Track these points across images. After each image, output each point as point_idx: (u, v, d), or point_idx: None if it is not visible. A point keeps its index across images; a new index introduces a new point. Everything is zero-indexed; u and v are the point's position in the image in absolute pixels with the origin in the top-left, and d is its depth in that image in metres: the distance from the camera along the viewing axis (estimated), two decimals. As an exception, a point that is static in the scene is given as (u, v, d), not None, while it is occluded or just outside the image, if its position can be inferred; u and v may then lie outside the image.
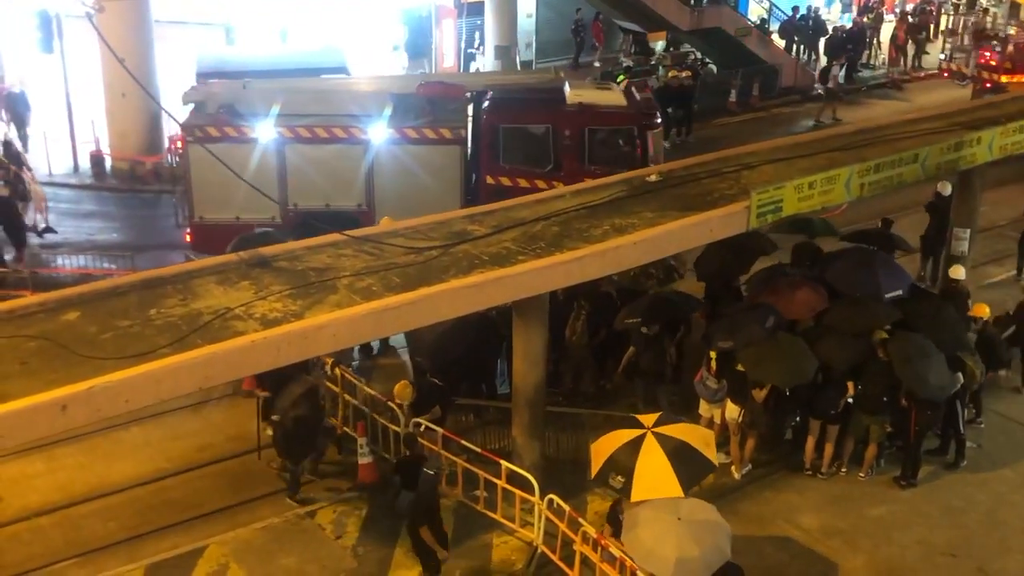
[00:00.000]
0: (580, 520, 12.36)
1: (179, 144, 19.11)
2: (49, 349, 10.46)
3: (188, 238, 19.33)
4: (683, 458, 11.81)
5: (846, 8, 42.84)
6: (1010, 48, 32.00)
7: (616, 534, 12.06)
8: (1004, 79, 30.73)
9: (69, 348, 10.43)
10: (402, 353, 17.67)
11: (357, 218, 17.55)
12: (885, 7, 43.60)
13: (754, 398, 14.27)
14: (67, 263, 20.36)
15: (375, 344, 17.69)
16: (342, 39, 29.20)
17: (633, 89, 21.55)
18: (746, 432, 14.66)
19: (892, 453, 15.05)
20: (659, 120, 20.39)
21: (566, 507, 12.57)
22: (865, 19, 40.06)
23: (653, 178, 15.74)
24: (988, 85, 31.03)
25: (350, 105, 19.18)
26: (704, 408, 15.03)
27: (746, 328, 14.63)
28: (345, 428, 15.15)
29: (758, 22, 36.64)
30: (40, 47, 25.72)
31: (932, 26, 41.93)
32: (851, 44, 36.69)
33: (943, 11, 44.00)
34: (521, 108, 20.09)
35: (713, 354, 14.69)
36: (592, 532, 12.19)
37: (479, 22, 34.45)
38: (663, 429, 12.09)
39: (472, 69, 34.06)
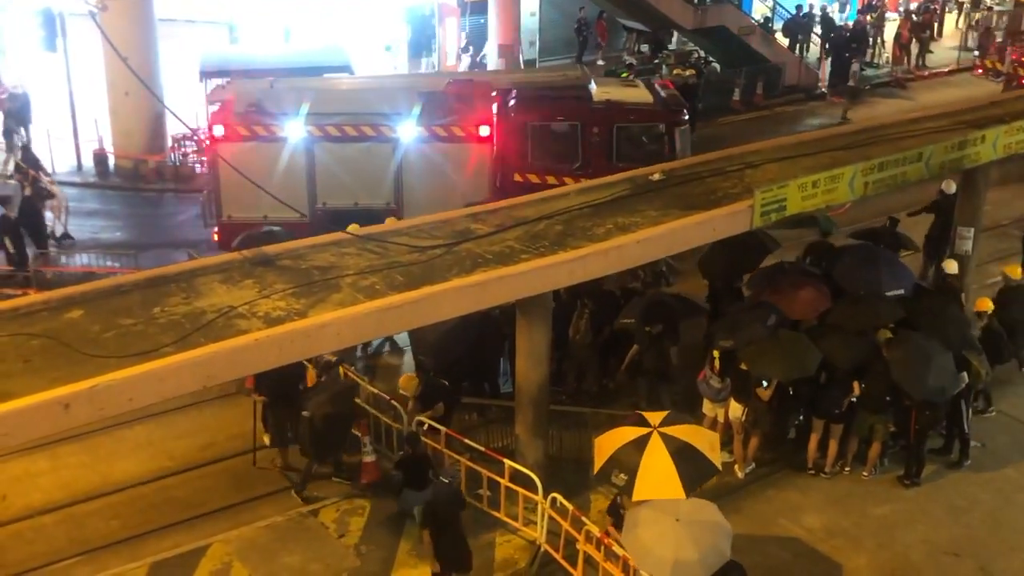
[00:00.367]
0: (583, 519, 12.37)
1: (205, 143, 19.09)
2: (52, 347, 10.46)
3: (216, 237, 19.34)
4: (687, 460, 11.79)
5: (842, 8, 42.78)
6: None
7: (617, 525, 12.07)
8: None
9: (72, 346, 10.44)
10: (406, 352, 17.69)
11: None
12: (888, 5, 43.55)
13: (758, 397, 14.25)
14: (70, 261, 20.38)
15: (374, 343, 17.70)
16: (345, 38, 29.26)
17: (657, 86, 21.64)
18: (749, 431, 14.64)
19: (896, 452, 15.03)
20: (686, 116, 20.47)
21: (569, 506, 12.58)
22: (868, 18, 40.00)
23: (656, 177, 15.73)
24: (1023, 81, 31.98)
25: (379, 103, 19.25)
26: (708, 407, 15.01)
27: (748, 327, 14.64)
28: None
29: (762, 20, 36.59)
30: (43, 45, 25.76)
31: (936, 24, 41.87)
32: (855, 43, 36.67)
33: (947, 9, 43.96)
34: (549, 106, 20.22)
35: (716, 353, 14.68)
36: (595, 531, 12.20)
37: (482, 20, 34.45)
38: (669, 429, 12.06)
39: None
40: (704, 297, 17.57)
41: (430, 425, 14.07)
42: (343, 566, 12.99)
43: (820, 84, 35.44)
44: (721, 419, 14.88)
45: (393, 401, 14.67)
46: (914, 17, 39.78)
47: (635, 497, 11.63)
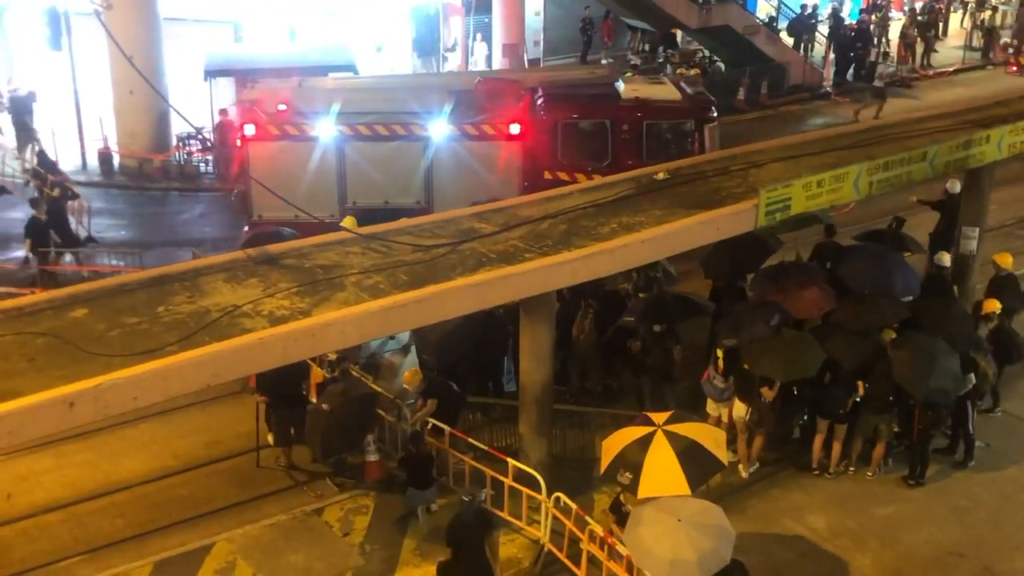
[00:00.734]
0: (587, 518, 12.38)
1: (238, 142, 19.18)
2: (57, 346, 10.47)
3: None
4: (692, 457, 11.78)
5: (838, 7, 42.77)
6: None
7: (620, 523, 12.07)
8: None
9: (77, 345, 10.44)
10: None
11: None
12: (893, 5, 43.49)
13: (762, 396, 14.24)
14: (75, 260, 20.43)
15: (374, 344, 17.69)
16: (350, 37, 29.30)
17: (683, 83, 21.69)
18: (753, 431, 14.63)
19: (900, 452, 15.01)
20: (715, 113, 20.52)
21: (573, 505, 12.58)
22: (872, 17, 39.96)
23: (661, 176, 15.72)
24: None
25: (411, 102, 19.29)
26: (711, 407, 15.00)
27: (751, 326, 14.62)
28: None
29: (766, 20, 36.57)
30: (49, 45, 25.82)
31: (941, 24, 41.81)
32: (859, 42, 36.63)
33: (952, 9, 43.89)
34: (578, 103, 20.27)
35: (720, 353, 14.67)
36: (599, 530, 12.20)
37: (486, 20, 34.44)
38: (674, 427, 12.05)
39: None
40: (707, 296, 17.54)
41: (434, 424, 14.07)
42: (347, 565, 13.00)
43: (824, 83, 35.41)
44: (725, 419, 14.86)
45: (397, 400, 14.67)
46: (919, 17, 39.74)
47: (640, 495, 11.62)
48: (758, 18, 35.92)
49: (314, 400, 14.53)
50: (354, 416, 13.73)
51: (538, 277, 12.79)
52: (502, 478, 13.40)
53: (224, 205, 25.09)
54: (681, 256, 15.57)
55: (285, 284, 11.98)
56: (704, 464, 11.93)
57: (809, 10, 38.06)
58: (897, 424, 14.67)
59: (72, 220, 21.93)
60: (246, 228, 19.32)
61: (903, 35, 37.09)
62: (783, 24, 38.07)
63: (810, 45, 37.77)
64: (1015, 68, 37.31)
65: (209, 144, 26.04)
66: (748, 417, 14.50)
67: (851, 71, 36.32)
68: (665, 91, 20.84)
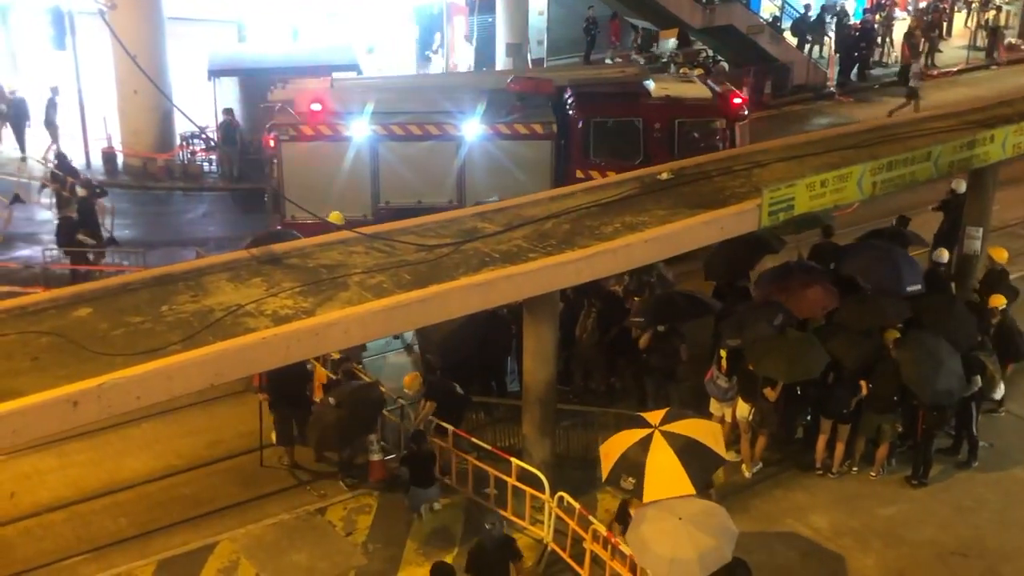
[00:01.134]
0: (590, 518, 12.36)
1: (271, 143, 19.22)
2: (60, 345, 10.48)
3: None
4: (692, 455, 11.76)
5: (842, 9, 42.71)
6: None
7: (626, 532, 12.04)
8: None
9: (80, 344, 10.45)
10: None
11: None
12: (897, 5, 43.41)
13: (765, 396, 14.23)
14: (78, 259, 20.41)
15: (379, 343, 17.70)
16: (353, 37, 29.30)
17: (711, 81, 21.74)
18: (757, 431, 14.62)
19: (903, 452, 14.99)
20: (746, 112, 20.57)
21: (576, 505, 12.58)
22: (877, 17, 39.90)
23: (664, 176, 15.71)
24: None
25: (444, 102, 19.34)
26: (715, 407, 15.00)
27: (754, 326, 14.60)
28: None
29: (770, 20, 36.51)
30: (53, 44, 25.83)
31: (945, 24, 41.74)
32: (863, 42, 36.58)
33: (956, 9, 43.81)
34: (610, 102, 20.33)
35: (723, 352, 14.65)
36: (602, 530, 12.19)
37: (490, 19, 34.43)
38: (670, 427, 12.02)
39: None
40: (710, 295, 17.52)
41: (438, 424, 14.07)
42: (350, 564, 13.01)
43: (828, 83, 35.37)
44: (728, 419, 14.86)
45: (400, 400, 14.67)
46: (924, 17, 39.65)
47: (646, 498, 11.57)
48: (762, 18, 35.88)
49: (317, 401, 14.53)
50: (358, 416, 13.73)
51: (541, 277, 12.79)
52: (506, 478, 13.40)
53: (226, 204, 25.18)
54: (684, 256, 15.55)
55: (289, 284, 11.99)
56: (704, 461, 11.92)
57: (814, 12, 37.94)
58: (901, 424, 14.65)
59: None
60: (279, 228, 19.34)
61: (908, 35, 37.01)
62: (787, 23, 37.99)
63: (819, 46, 37.67)
64: None
65: (212, 143, 26.06)
66: (751, 417, 14.49)
67: (855, 71, 36.26)
68: (696, 89, 20.99)
